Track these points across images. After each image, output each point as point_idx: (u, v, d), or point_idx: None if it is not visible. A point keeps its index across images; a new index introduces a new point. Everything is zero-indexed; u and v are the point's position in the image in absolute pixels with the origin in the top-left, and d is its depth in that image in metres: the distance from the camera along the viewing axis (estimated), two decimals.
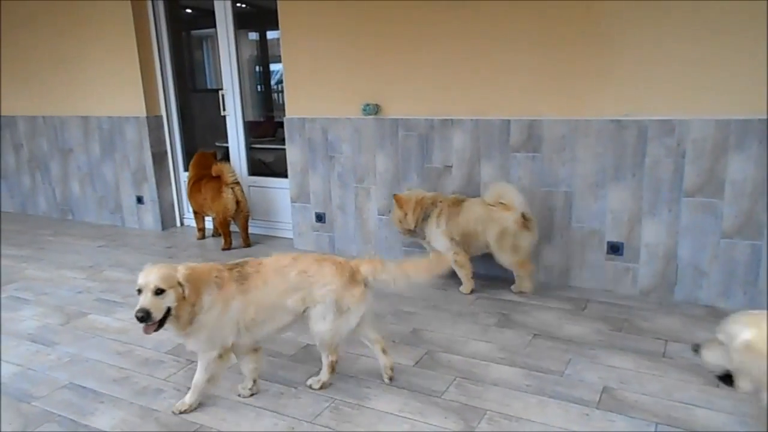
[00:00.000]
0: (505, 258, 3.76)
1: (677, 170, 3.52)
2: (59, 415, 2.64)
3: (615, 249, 3.80)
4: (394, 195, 4.07)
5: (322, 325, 2.60)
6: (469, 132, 4.12)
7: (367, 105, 4.41)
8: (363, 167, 4.61)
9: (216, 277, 2.48)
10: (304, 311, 2.61)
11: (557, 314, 3.55)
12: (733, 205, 3.42)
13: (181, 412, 2.60)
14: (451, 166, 4.24)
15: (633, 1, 3.44)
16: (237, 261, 2.63)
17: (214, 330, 2.48)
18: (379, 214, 4.61)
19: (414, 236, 4.08)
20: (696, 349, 2.04)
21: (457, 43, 4.03)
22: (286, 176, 5.07)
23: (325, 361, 2.76)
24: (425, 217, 3.92)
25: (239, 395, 2.73)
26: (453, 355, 3.08)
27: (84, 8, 5.62)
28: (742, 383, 1.85)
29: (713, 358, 1.96)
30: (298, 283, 2.56)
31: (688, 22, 3.35)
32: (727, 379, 1.94)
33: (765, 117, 3.25)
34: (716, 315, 3.44)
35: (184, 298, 2.38)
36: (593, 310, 3.60)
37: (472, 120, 4.09)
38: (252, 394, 2.74)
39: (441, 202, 3.93)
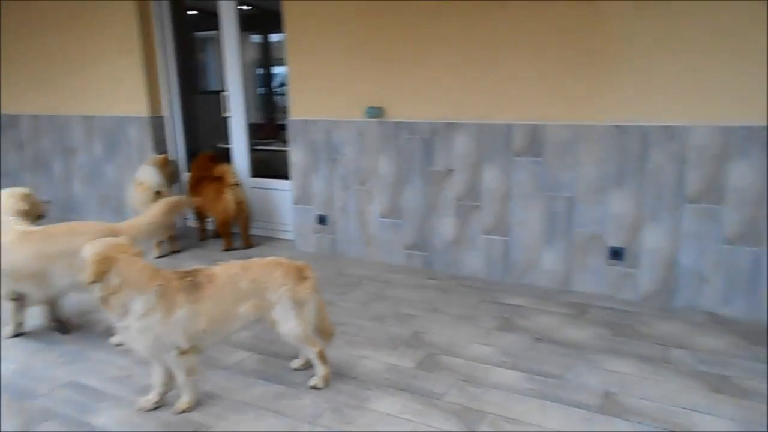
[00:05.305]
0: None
1: (679, 176, 3.53)
2: (59, 414, 2.64)
3: (616, 254, 3.80)
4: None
5: (288, 324, 2.67)
6: (472, 136, 4.13)
7: (371, 108, 4.42)
8: (365, 170, 4.62)
9: (159, 284, 2.47)
10: (259, 317, 2.68)
11: (558, 319, 3.55)
12: (734, 212, 3.42)
13: (182, 411, 2.61)
14: (454, 170, 4.25)
15: (635, 2, 3.46)
16: (189, 269, 2.64)
17: (159, 336, 2.47)
18: (381, 217, 4.62)
19: None
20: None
21: (461, 47, 4.05)
22: (287, 178, 5.08)
23: (312, 355, 2.79)
24: None
25: (140, 407, 2.65)
26: (454, 357, 3.09)
27: (88, 8, 5.64)
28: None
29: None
30: (250, 292, 2.62)
31: (689, 28, 3.37)
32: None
33: (765, 124, 3.26)
34: (717, 321, 3.45)
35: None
36: (594, 315, 3.61)
37: (475, 124, 4.10)
38: (157, 407, 2.66)
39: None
